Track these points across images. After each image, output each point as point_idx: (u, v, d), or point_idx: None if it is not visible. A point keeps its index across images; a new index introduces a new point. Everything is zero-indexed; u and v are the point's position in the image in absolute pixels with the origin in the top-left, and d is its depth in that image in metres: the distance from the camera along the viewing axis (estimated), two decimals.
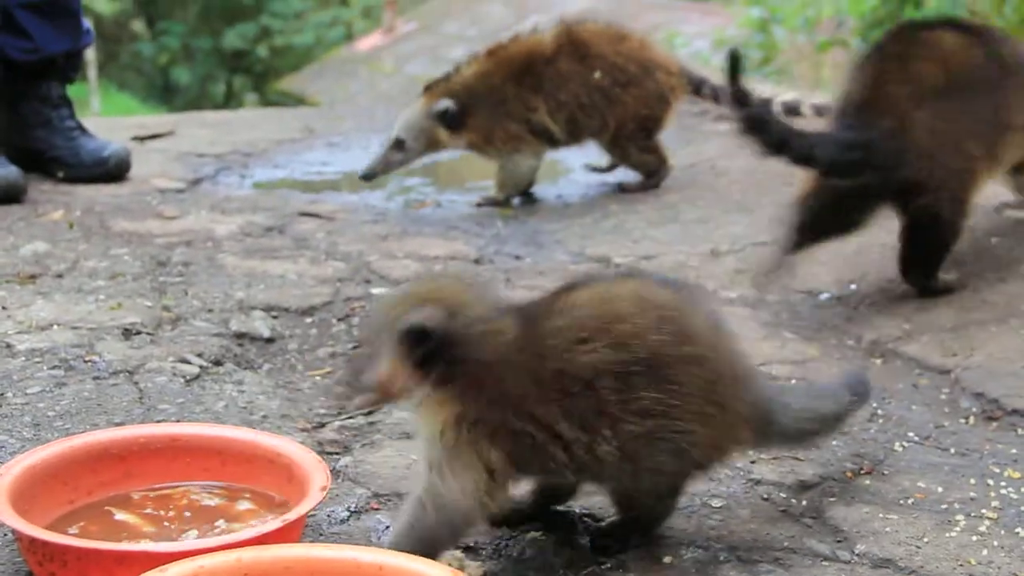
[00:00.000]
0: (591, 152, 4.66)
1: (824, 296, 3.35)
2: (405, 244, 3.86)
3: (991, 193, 3.88)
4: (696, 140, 4.83)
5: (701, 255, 3.70)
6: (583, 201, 4.39)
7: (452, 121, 4.25)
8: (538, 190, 4.48)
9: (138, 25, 20.04)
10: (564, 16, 4.60)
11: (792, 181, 4.27)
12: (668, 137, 4.58)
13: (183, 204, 4.21)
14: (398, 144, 4.28)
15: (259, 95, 18.84)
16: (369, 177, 4.31)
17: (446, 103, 4.25)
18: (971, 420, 2.65)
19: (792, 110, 4.64)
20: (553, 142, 4.37)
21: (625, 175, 4.58)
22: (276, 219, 4.06)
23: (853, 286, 3.39)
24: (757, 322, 3.20)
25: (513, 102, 4.28)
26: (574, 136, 4.36)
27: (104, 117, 6.70)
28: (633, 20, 4.62)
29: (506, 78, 4.28)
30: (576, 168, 4.71)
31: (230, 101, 18.74)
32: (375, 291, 3.42)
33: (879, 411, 2.69)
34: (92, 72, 14.60)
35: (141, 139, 5.13)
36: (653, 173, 4.43)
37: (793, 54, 12.19)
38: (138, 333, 2.97)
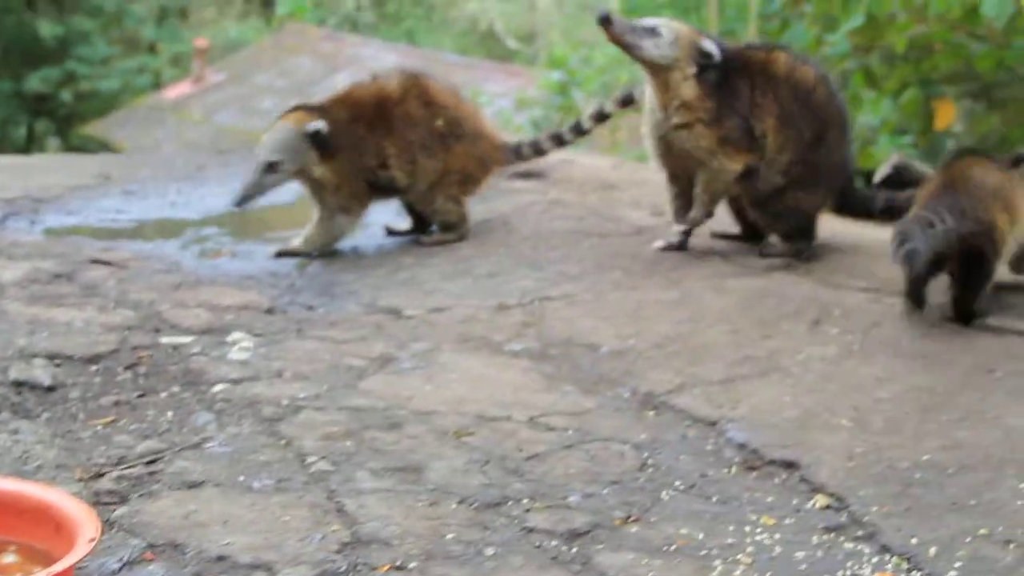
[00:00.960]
0: (391, 212, 4.74)
1: (604, 350, 3.48)
2: (198, 293, 3.85)
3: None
4: (491, 197, 4.95)
5: (490, 308, 3.80)
6: (378, 253, 4.45)
7: (324, 144, 4.22)
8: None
9: None
10: (404, 67, 4.77)
11: (579, 241, 4.44)
12: None
13: None
14: (271, 167, 4.19)
15: (62, 140, 18.39)
16: (243, 203, 4.21)
17: (319, 124, 4.22)
18: (733, 470, 2.79)
19: (601, 116, 4.72)
20: (395, 191, 4.47)
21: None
22: (65, 266, 4.00)
23: (631, 341, 3.53)
24: (539, 374, 3.30)
25: (368, 153, 4.35)
26: (413, 179, 4.44)
27: None
28: (442, 78, 4.72)
29: (360, 123, 4.36)
30: (374, 223, 4.76)
31: (32, 145, 18.23)
32: (164, 340, 3.41)
33: (650, 461, 2.82)
34: None
35: None
36: (452, 227, 4.53)
37: None
38: None
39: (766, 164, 4.16)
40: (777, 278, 4.01)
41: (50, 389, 3.01)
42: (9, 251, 4.12)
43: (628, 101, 4.61)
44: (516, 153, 4.71)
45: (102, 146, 15.63)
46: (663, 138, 4.21)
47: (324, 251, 4.38)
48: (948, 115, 7.68)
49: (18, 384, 3.00)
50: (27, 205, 4.81)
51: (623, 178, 5.39)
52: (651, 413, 3.09)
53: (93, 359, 3.22)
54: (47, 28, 19.06)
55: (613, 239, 4.48)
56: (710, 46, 4.10)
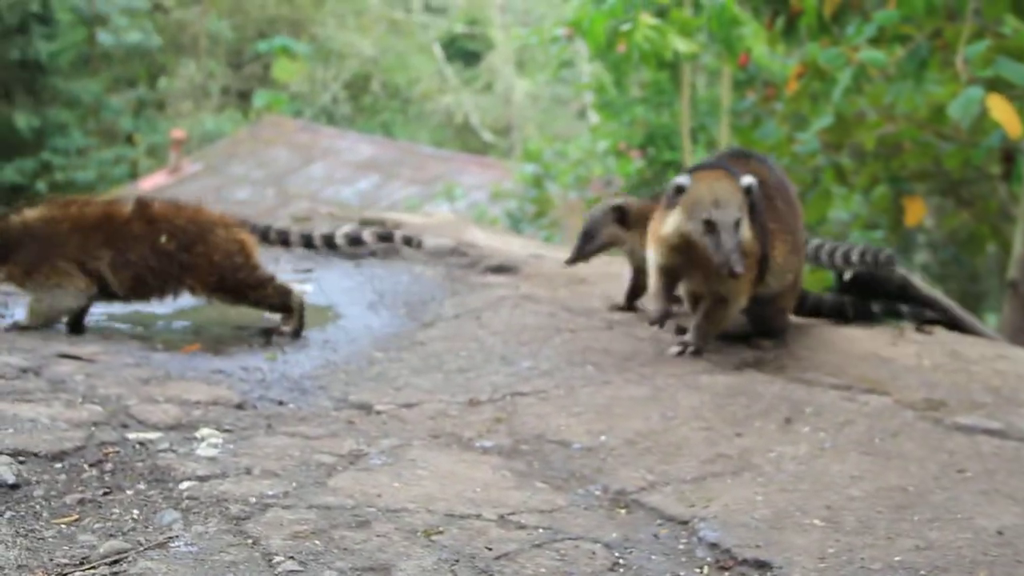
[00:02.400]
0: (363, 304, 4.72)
1: (576, 447, 3.46)
2: (167, 388, 3.82)
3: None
4: (462, 292, 4.95)
5: (460, 404, 3.78)
6: (350, 348, 4.43)
7: None
8: (307, 334, 4.50)
9: None
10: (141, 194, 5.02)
11: (550, 336, 4.43)
12: (435, 288, 4.69)
13: None
14: None
15: None
16: None
17: None
18: (705, 570, 2.76)
19: (355, 240, 5.55)
20: (110, 294, 4.53)
21: (387, 320, 4.64)
22: (32, 360, 3.96)
23: (603, 437, 3.51)
24: (510, 471, 3.28)
25: (73, 248, 4.44)
26: (138, 294, 4.56)
27: None
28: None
29: (73, 228, 4.46)
30: (346, 315, 4.75)
31: None
32: (131, 436, 3.37)
33: (621, 561, 2.78)
34: None
35: None
36: (286, 307, 4.60)
37: (565, 209, 12.80)
38: None
39: (772, 277, 4.21)
40: (749, 375, 4.01)
41: (13, 487, 2.96)
42: None
43: (410, 242, 5.47)
44: (263, 234, 5.10)
45: None
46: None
47: (49, 323, 4.47)
48: (918, 212, 7.79)
49: None
50: None
51: (593, 272, 5.41)
52: (623, 511, 3.06)
53: (58, 456, 3.17)
54: (23, 119, 19.14)
55: (584, 334, 4.48)
56: (746, 180, 3.99)
